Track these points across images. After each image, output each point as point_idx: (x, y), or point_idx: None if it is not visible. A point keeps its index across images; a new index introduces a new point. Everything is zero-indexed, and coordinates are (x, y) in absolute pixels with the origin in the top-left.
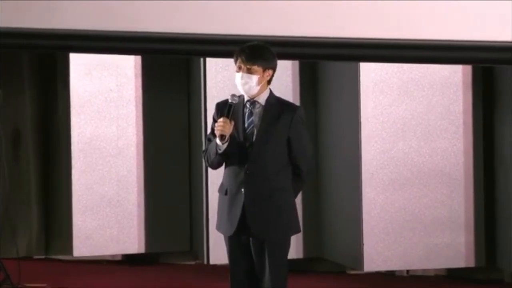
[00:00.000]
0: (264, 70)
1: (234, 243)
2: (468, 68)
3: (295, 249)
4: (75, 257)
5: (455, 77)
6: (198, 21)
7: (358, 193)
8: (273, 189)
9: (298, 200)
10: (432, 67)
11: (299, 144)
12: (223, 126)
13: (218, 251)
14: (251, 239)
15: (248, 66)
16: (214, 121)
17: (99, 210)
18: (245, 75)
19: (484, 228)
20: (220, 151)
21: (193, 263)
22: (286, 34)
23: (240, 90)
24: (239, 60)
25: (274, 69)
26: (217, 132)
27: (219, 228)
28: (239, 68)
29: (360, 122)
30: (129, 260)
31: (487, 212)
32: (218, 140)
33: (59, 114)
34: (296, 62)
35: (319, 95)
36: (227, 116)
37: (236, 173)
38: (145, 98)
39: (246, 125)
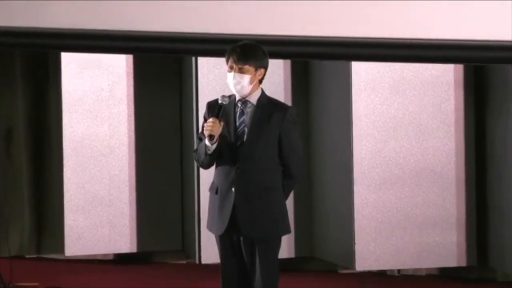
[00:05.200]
0: (256, 70)
1: (226, 242)
2: (460, 67)
3: (287, 248)
4: (67, 256)
5: (446, 76)
6: (190, 20)
7: (350, 192)
8: (264, 188)
9: (290, 199)
10: (424, 66)
11: (289, 144)
12: (212, 126)
13: (209, 250)
14: (241, 238)
15: (240, 66)
16: (205, 120)
17: (91, 209)
18: (237, 75)
19: (476, 227)
20: (209, 152)
21: (184, 262)
22: (278, 33)
23: (232, 90)
24: (230, 60)
25: (266, 68)
26: (206, 133)
27: (210, 227)
28: (231, 68)
29: (352, 121)
30: (121, 259)
31: (479, 211)
32: (207, 141)
33: (51, 113)
34: (288, 61)
35: (311, 95)
36: (217, 117)
37: (227, 172)
38: (136, 97)
39: (237, 124)
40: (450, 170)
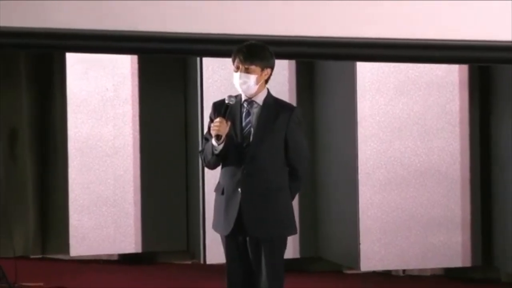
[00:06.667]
0: (262, 70)
1: (231, 243)
2: (465, 67)
3: (292, 248)
4: (72, 256)
5: (451, 77)
6: (195, 20)
7: (355, 192)
8: (270, 189)
9: (295, 199)
10: (429, 66)
11: (295, 145)
12: (219, 126)
13: (214, 250)
14: (247, 238)
15: (246, 66)
16: (211, 120)
17: (96, 210)
18: (243, 74)
19: (481, 227)
20: (216, 152)
21: (189, 262)
22: (282, 34)
23: (238, 90)
24: (237, 60)
25: (272, 68)
26: (212, 132)
27: (215, 228)
28: (237, 68)
29: (356, 122)
30: (125, 259)
31: (484, 211)
32: (213, 141)
33: (56, 113)
34: (293, 62)
35: (316, 95)
36: (224, 117)
37: (233, 172)
38: (141, 98)
39: (243, 125)
40: (455, 170)
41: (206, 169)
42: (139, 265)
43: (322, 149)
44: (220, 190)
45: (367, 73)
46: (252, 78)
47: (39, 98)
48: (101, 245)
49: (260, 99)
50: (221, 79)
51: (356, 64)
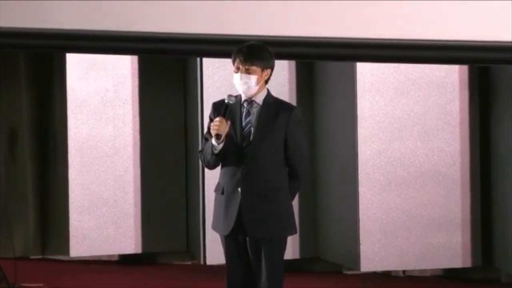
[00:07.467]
0: (262, 70)
1: (231, 243)
2: (465, 67)
3: (292, 249)
4: (72, 257)
5: (451, 77)
6: (195, 21)
7: (354, 193)
8: (270, 188)
9: (295, 199)
10: (429, 67)
11: (295, 144)
12: (219, 126)
13: (214, 251)
14: (247, 238)
15: (246, 67)
16: (211, 120)
17: (96, 210)
18: (244, 75)
19: (481, 228)
20: (215, 151)
21: (189, 263)
22: (282, 34)
23: (239, 90)
24: (237, 61)
25: (272, 68)
26: (212, 132)
27: (215, 227)
28: (238, 69)
29: (356, 122)
30: (125, 260)
31: (484, 212)
32: (213, 140)
33: (56, 114)
34: (293, 62)
35: (316, 95)
36: (224, 116)
37: (232, 172)
38: (141, 98)
39: (243, 124)
40: (455, 171)
41: (206, 169)
42: (139, 265)
43: (322, 149)
44: (220, 190)
45: (367, 73)
46: (253, 78)
47: (39, 98)
48: (101, 245)
49: (260, 99)
50: (221, 79)
51: (356, 65)
